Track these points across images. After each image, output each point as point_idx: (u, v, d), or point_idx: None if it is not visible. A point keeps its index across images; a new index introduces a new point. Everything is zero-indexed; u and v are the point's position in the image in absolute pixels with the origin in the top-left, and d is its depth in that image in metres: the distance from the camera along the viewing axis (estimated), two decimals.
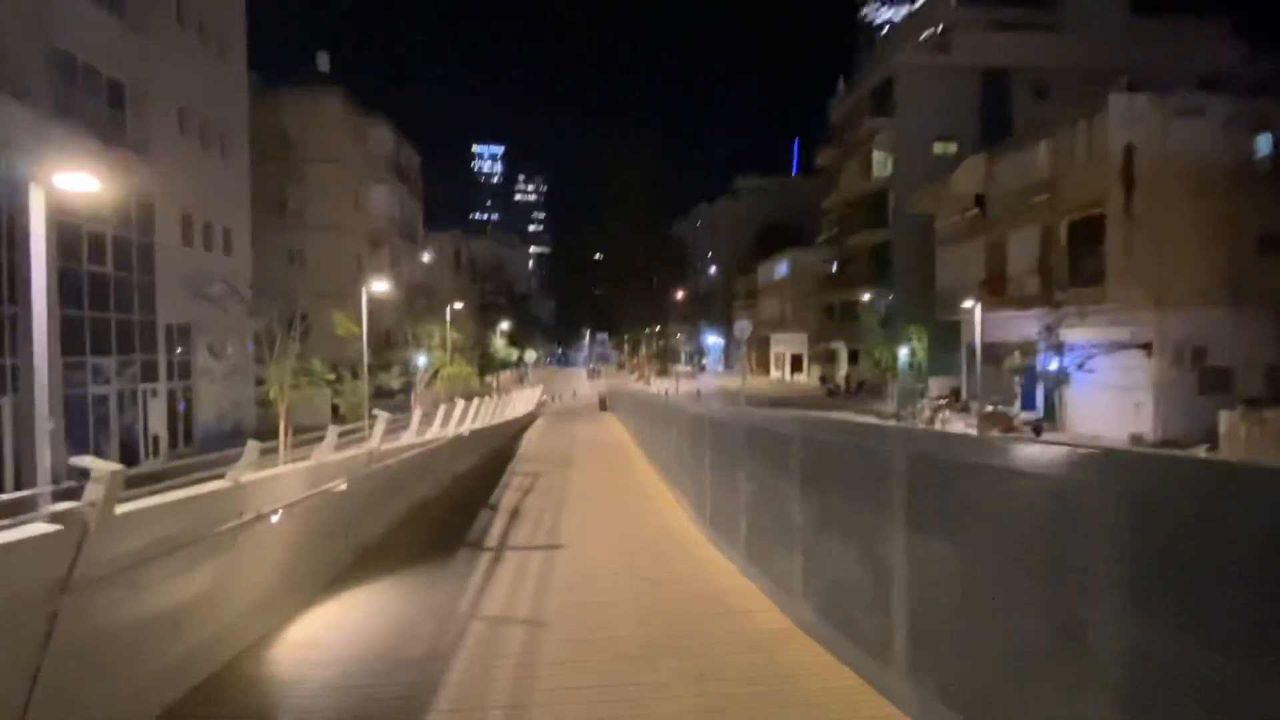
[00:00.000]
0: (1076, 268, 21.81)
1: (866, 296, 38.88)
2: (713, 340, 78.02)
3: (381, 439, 6.38)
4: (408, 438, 8.88)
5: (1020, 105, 36.06)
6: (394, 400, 22.36)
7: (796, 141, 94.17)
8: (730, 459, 6.39)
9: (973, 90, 36.43)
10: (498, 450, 15.08)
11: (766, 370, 59.57)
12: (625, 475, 12.37)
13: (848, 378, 41.81)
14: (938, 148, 36.64)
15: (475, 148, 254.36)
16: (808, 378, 51.40)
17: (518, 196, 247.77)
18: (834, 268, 46.34)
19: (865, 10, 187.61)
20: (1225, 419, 18.77)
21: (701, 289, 76.48)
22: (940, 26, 37.37)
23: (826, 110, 46.12)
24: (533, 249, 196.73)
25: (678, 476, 9.49)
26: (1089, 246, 21.31)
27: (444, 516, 8.53)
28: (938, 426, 24.37)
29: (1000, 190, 25.57)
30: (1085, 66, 34.91)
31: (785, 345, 56.33)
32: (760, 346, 61.68)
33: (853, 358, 43.72)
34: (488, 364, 44.99)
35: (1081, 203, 21.44)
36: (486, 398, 16.89)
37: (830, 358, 46.90)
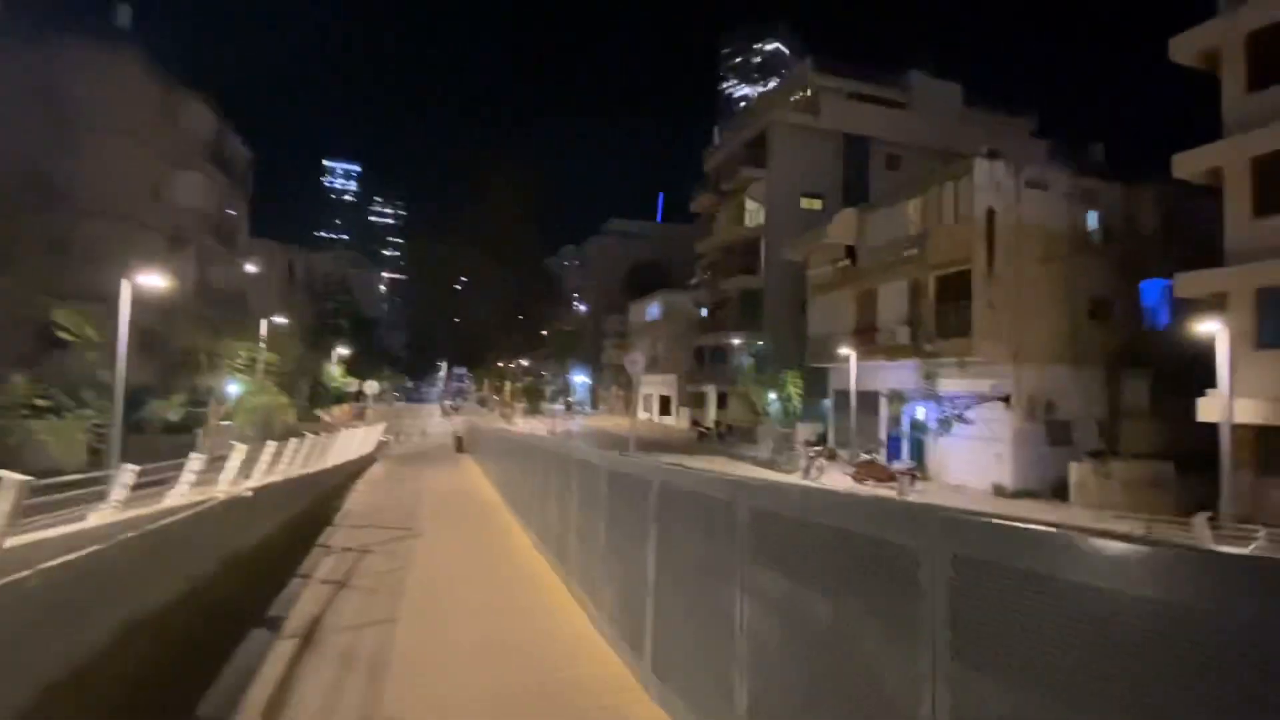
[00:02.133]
0: (944, 320, 22.50)
1: (738, 341, 39.01)
2: (580, 379, 75.85)
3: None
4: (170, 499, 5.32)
5: (875, 172, 38.86)
6: (173, 440, 17.11)
7: (661, 196, 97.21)
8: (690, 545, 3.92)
9: (836, 154, 38.65)
10: (310, 511, 11.25)
11: (634, 411, 58.11)
12: (492, 547, 9.37)
13: (717, 421, 41.31)
14: (804, 202, 38.19)
15: (327, 162, 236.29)
16: (676, 420, 50.61)
17: (373, 218, 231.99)
18: (706, 312, 46.40)
19: (726, 85, 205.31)
20: (1075, 470, 19.74)
21: (569, 327, 74.36)
22: (809, 90, 39.45)
23: (701, 157, 46.99)
24: (386, 274, 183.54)
25: (569, 551, 6.80)
26: (955, 301, 22.08)
27: (167, 656, 4.93)
28: (813, 475, 23.78)
29: (871, 243, 26.32)
30: (927, 144, 38.73)
31: (655, 387, 55.43)
32: (629, 387, 60.41)
33: (721, 401, 43.56)
34: (319, 395, 38.65)
35: (948, 259, 22.29)
36: (306, 436, 12.95)
37: (700, 401, 46.44)
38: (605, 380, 69.79)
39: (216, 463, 7.68)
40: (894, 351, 24.44)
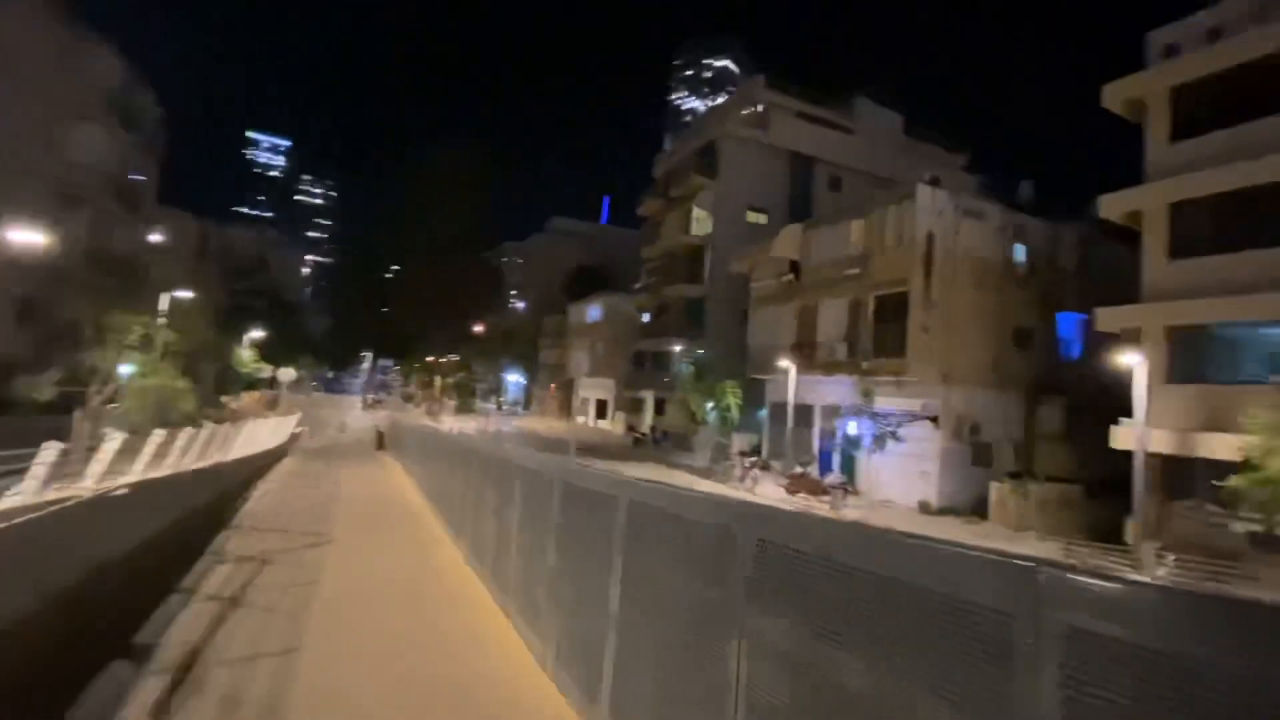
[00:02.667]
0: (880, 340, 23.03)
1: (679, 348, 38.90)
2: (513, 379, 73.92)
3: None
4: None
5: (819, 192, 39.84)
6: (52, 423, 14.93)
7: (606, 199, 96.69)
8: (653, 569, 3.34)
9: (783, 170, 39.35)
10: (205, 511, 9.90)
11: (569, 414, 57.14)
12: (416, 560, 8.45)
13: (653, 427, 41.02)
14: (750, 216, 38.62)
15: (253, 134, 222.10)
16: (612, 424, 49.99)
17: (300, 197, 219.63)
18: (648, 317, 46.13)
19: (675, 96, 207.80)
20: (995, 490, 20.54)
21: (505, 325, 72.41)
22: (760, 106, 39.99)
23: (648, 166, 46.86)
24: (311, 258, 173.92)
25: (508, 572, 6.08)
26: (893, 321, 22.64)
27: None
28: (748, 485, 23.77)
29: (814, 260, 26.73)
30: (868, 169, 40.12)
31: (593, 390, 54.67)
32: (565, 389, 59.31)
33: (659, 408, 43.33)
34: (227, 380, 35.62)
35: (888, 280, 22.84)
36: (205, 425, 11.51)
37: (637, 406, 46.05)
38: (541, 380, 68.35)
39: (92, 453, 6.49)
40: (832, 367, 24.83)
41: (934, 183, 22.57)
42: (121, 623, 5.09)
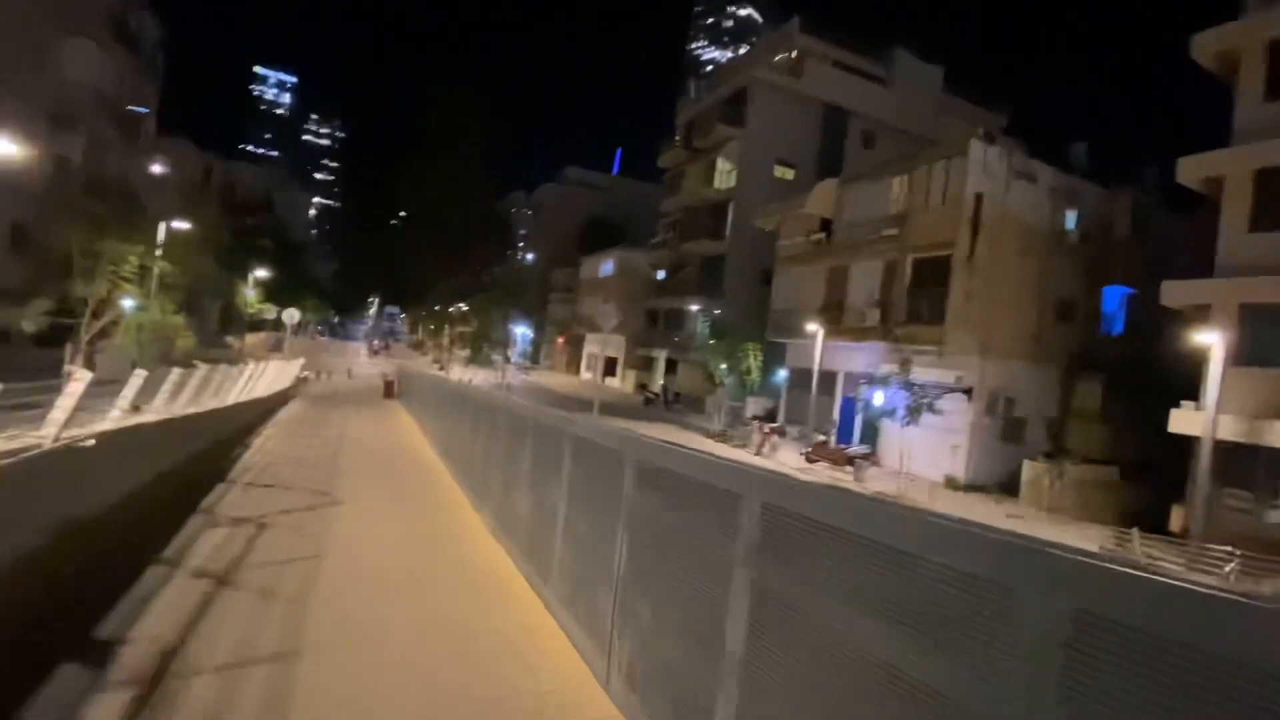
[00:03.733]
0: (916, 305, 21.81)
1: (695, 306, 37.66)
2: (521, 331, 72.80)
3: None
4: None
5: (851, 149, 37.79)
6: (43, 356, 14.03)
7: (619, 151, 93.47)
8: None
9: (815, 123, 37.24)
10: (198, 460, 9.02)
11: (577, 370, 56.35)
12: (435, 527, 7.57)
13: (665, 388, 40.14)
14: (778, 171, 36.77)
15: (260, 69, 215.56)
16: (621, 382, 49.18)
17: (307, 137, 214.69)
18: (663, 274, 44.71)
19: (695, 46, 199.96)
20: (1029, 468, 19.66)
21: (515, 275, 70.86)
22: (794, 52, 37.62)
23: (663, 117, 44.71)
24: (318, 200, 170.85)
25: (552, 559, 5.17)
26: (931, 287, 21.37)
27: None
28: (765, 452, 22.97)
29: (848, 218, 25.25)
30: (904, 126, 37.95)
31: (602, 346, 53.66)
32: (574, 344, 58.32)
33: (670, 367, 42.40)
34: (231, 320, 34.74)
35: (929, 242, 21.46)
36: (199, 366, 10.56)
37: (648, 365, 45.11)
38: (549, 335, 67.29)
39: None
40: (860, 333, 23.68)
41: (988, 138, 20.91)
42: (83, 605, 4.20)
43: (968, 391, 20.71)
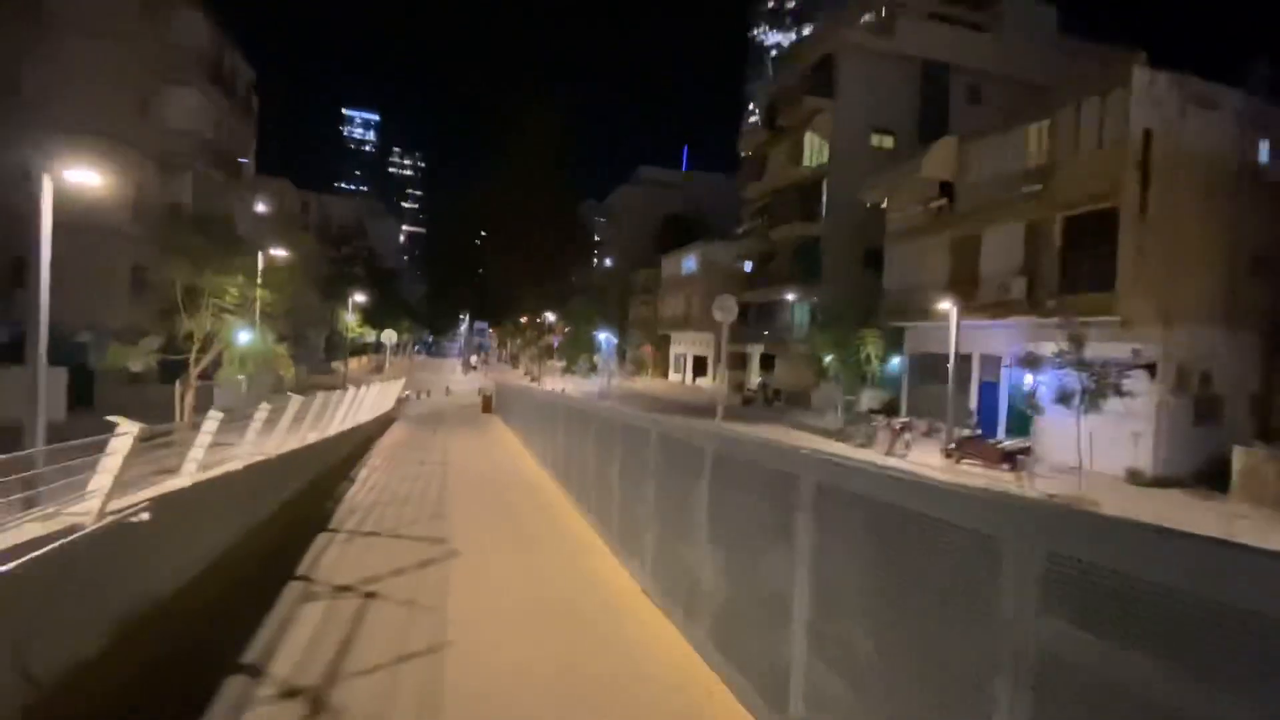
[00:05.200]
0: (1073, 271, 18.59)
1: (791, 296, 35.18)
2: (605, 336, 72.35)
3: None
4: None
5: (955, 107, 34.06)
6: (134, 393, 14.13)
7: (685, 148, 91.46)
8: None
9: (912, 83, 33.86)
10: (299, 503, 8.09)
11: (665, 373, 54.94)
12: (569, 582, 6.09)
13: (764, 384, 37.88)
14: (875, 139, 33.69)
15: (347, 111, 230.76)
16: (713, 381, 47.21)
17: (392, 170, 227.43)
18: (750, 265, 42.47)
19: (756, 32, 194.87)
20: (1242, 455, 16.07)
21: (595, 282, 70.57)
22: (884, 10, 34.41)
23: (729, 108, 42.40)
24: (406, 228, 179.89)
25: (751, 638, 3.52)
26: (1091, 248, 18.12)
27: None
28: (899, 452, 20.38)
29: (974, 179, 22.17)
30: (1016, 76, 33.70)
31: (688, 346, 52.03)
32: (660, 346, 56.97)
33: (765, 363, 40.06)
34: (334, 346, 35.85)
35: (1084, 196, 18.21)
36: (319, 394, 9.80)
37: (741, 362, 42.96)
38: (633, 339, 66.35)
39: (158, 439, 4.53)
40: (1000, 309, 20.62)
41: (1152, 64, 17.45)
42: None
43: (1150, 367, 17.28)
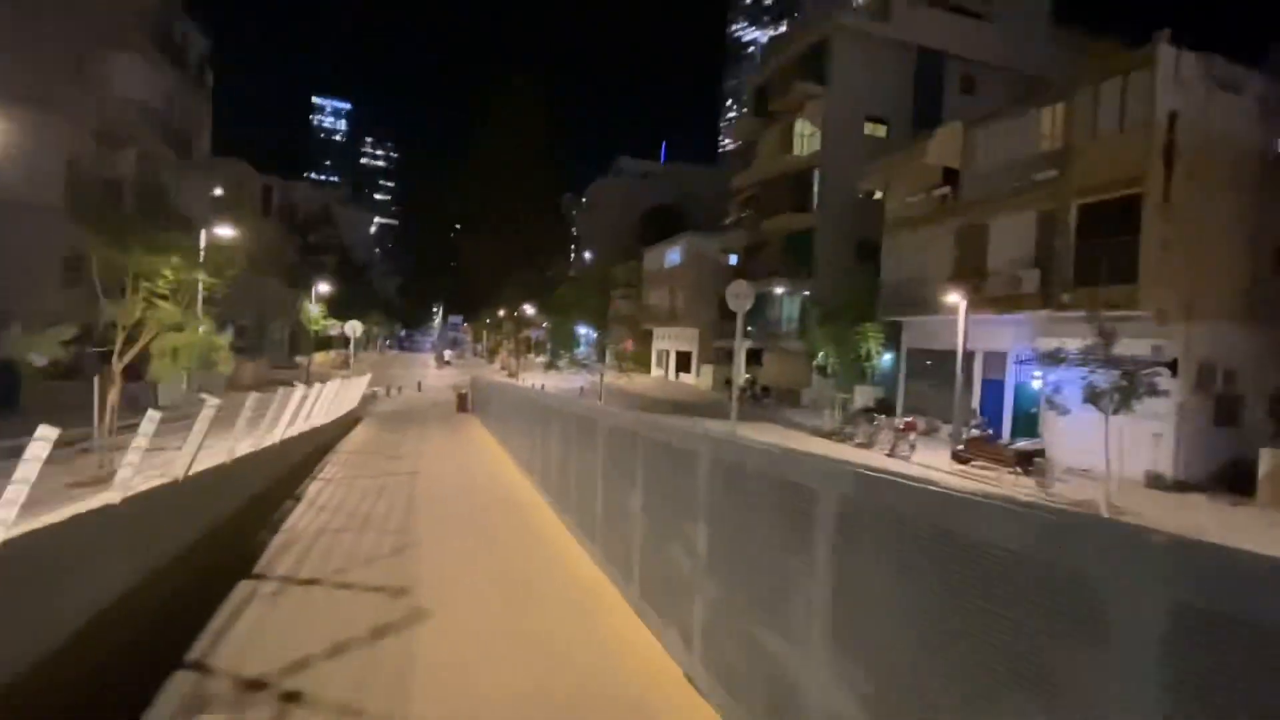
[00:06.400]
0: (1089, 262, 17.54)
1: (780, 289, 33.94)
2: (583, 331, 70.58)
3: None
4: None
5: (950, 97, 33.12)
6: (76, 390, 12.17)
7: (665, 144, 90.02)
8: None
9: (906, 71, 32.82)
10: (225, 529, 6.40)
11: (648, 368, 53.45)
12: (581, 653, 4.51)
13: (752, 381, 36.62)
14: (868, 128, 32.58)
15: (317, 99, 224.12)
16: (697, 378, 45.95)
17: (364, 160, 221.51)
18: (736, 259, 41.16)
19: (734, 29, 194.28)
20: (1268, 457, 15.18)
21: (575, 275, 68.74)
22: None
23: (705, 103, 41.00)
24: (378, 220, 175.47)
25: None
26: (1110, 237, 17.08)
27: None
28: (902, 453, 19.23)
29: (981, 166, 21.06)
30: (1010, 66, 32.91)
31: (672, 341, 50.66)
32: (642, 341, 55.47)
33: (752, 358, 38.83)
34: (300, 340, 33.60)
35: (1104, 182, 17.15)
36: (250, 395, 8.07)
37: (727, 357, 41.65)
38: (613, 334, 64.74)
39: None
40: (1010, 302, 19.54)
41: (1176, 42, 16.42)
42: None
43: (1171, 365, 16.30)
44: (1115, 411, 13.68)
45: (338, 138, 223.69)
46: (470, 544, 7.39)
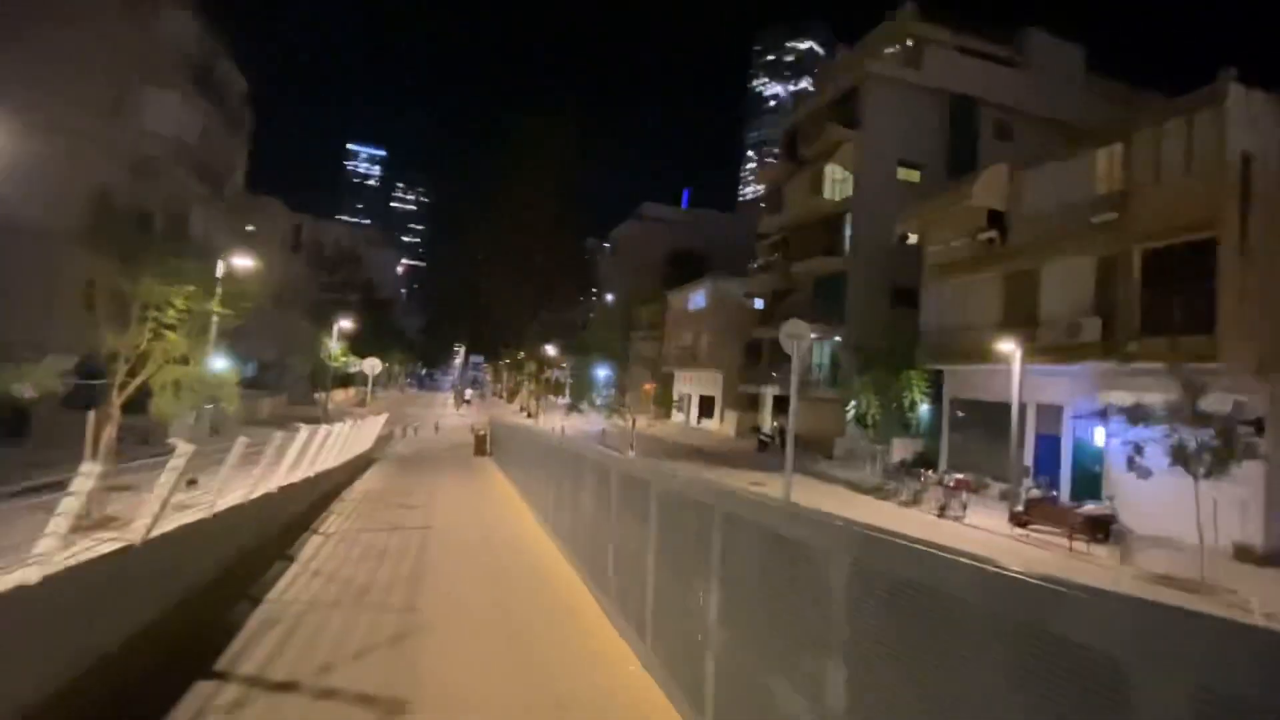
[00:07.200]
0: (1157, 311, 16.27)
1: (811, 335, 32.81)
2: (603, 373, 69.82)
3: None
4: None
5: (985, 142, 32.52)
6: (51, 422, 11.43)
7: (686, 191, 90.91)
8: None
9: (940, 116, 32.39)
10: (196, 601, 5.36)
11: (668, 413, 52.16)
12: None
13: (779, 429, 35.16)
14: (901, 173, 31.97)
15: (352, 146, 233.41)
16: (720, 424, 44.53)
17: (395, 204, 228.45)
18: (761, 303, 40.32)
19: (755, 83, 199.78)
20: None
21: (597, 317, 68.44)
22: (910, 40, 33.18)
23: (725, 154, 40.99)
24: (405, 261, 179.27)
25: None
26: (1178, 284, 15.87)
27: None
28: (954, 512, 17.68)
29: (1030, 209, 20.09)
30: (1045, 114, 32.33)
31: (694, 385, 49.50)
32: (663, 384, 54.37)
33: (779, 405, 37.47)
34: (320, 376, 33.14)
35: (1169, 225, 16.04)
36: (239, 439, 7.19)
37: (753, 404, 40.39)
38: (634, 376, 63.79)
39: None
40: (1066, 353, 18.23)
41: (1245, 81, 15.53)
42: None
43: (1257, 423, 14.79)
44: (1207, 474, 12.22)
45: (371, 182, 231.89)
46: (488, 624, 6.19)
